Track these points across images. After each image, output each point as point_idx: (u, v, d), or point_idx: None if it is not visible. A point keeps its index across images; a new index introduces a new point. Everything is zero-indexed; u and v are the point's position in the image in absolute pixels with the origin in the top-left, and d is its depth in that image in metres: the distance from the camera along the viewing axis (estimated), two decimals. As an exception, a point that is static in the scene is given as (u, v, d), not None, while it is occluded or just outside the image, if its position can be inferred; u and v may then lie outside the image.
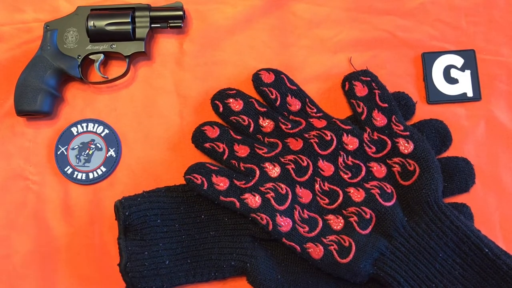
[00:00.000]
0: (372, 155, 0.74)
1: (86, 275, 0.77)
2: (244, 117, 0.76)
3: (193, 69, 0.83)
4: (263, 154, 0.74)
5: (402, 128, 0.74)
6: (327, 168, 0.74)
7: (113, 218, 0.75)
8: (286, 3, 0.84)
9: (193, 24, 0.84)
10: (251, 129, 0.76)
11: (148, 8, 0.81)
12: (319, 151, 0.74)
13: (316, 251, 0.70)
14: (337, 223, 0.72)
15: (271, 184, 0.73)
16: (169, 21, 0.81)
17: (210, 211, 0.75)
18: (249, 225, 0.73)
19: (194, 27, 0.84)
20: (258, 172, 0.73)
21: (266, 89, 0.77)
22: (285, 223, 0.71)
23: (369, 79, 0.77)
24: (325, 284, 0.72)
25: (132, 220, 0.73)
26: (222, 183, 0.72)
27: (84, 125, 0.80)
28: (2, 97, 0.82)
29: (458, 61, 0.81)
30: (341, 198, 0.73)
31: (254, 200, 0.72)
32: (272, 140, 0.76)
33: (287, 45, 0.83)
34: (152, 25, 0.81)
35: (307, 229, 0.71)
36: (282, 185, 0.73)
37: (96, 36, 0.79)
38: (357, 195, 0.72)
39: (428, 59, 0.81)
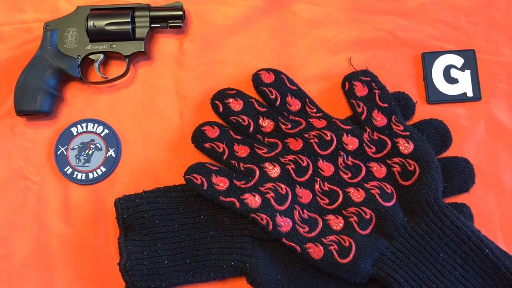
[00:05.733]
0: (372, 155, 0.74)
1: (86, 275, 0.77)
2: (244, 117, 0.76)
3: (193, 69, 0.83)
4: (263, 154, 0.74)
5: (402, 128, 0.74)
6: (327, 168, 0.74)
7: (113, 218, 0.75)
8: (286, 3, 0.84)
9: (193, 24, 0.84)
10: (251, 129, 0.76)
11: (148, 8, 0.81)
12: (319, 151, 0.74)
13: (316, 251, 0.70)
14: (337, 223, 0.72)
15: (271, 184, 0.72)
16: (169, 21, 0.81)
17: (210, 211, 0.75)
18: (248, 225, 0.73)
19: (194, 27, 0.84)
20: (258, 172, 0.73)
21: (266, 89, 0.77)
22: (285, 223, 0.71)
23: (369, 79, 0.77)
24: (325, 284, 0.72)
25: (131, 222, 0.73)
26: (222, 183, 0.72)
27: (84, 125, 0.80)
28: (2, 97, 0.82)
29: (458, 61, 0.81)
30: (341, 198, 0.72)
31: (254, 200, 0.71)
32: (272, 140, 0.76)
33: (287, 45, 0.83)
34: (152, 25, 0.81)
35: (307, 229, 0.71)
36: (282, 185, 0.73)
37: (96, 36, 0.79)
38: (357, 195, 0.72)
39: (428, 59, 0.81)
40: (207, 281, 0.74)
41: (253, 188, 0.72)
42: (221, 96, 0.77)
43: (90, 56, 0.80)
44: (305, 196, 0.73)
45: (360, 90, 0.76)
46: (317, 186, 0.73)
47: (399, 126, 0.74)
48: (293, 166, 0.74)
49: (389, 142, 0.74)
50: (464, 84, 0.80)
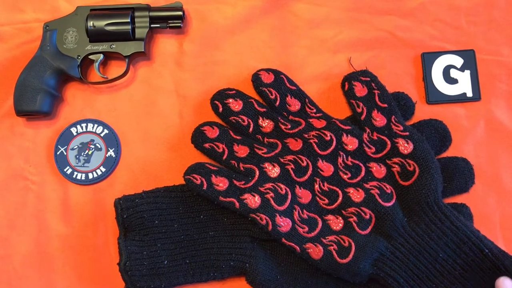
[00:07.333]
0: (371, 155, 0.74)
1: (86, 275, 0.77)
2: (244, 117, 0.76)
3: (193, 69, 0.83)
4: (262, 154, 0.74)
5: (401, 128, 0.74)
6: (326, 168, 0.74)
7: (112, 218, 0.75)
8: (286, 3, 0.84)
9: (193, 24, 0.84)
10: (251, 129, 0.76)
11: (148, 8, 0.81)
12: (319, 151, 0.74)
13: (315, 252, 0.70)
14: (336, 223, 0.72)
15: (270, 184, 0.73)
16: (169, 21, 0.81)
17: (209, 211, 0.75)
18: (248, 225, 0.73)
19: (193, 27, 0.84)
20: (257, 172, 0.73)
21: (266, 89, 0.77)
22: (284, 223, 0.71)
23: (368, 79, 0.77)
24: (325, 284, 0.72)
25: (131, 222, 0.73)
26: (221, 183, 0.72)
27: (84, 125, 0.80)
28: (2, 97, 0.82)
29: (458, 61, 0.81)
30: (340, 198, 0.72)
31: (253, 201, 0.72)
32: (271, 140, 0.76)
33: (287, 45, 0.83)
34: (151, 25, 0.81)
35: (306, 229, 0.71)
36: (282, 186, 0.73)
37: (96, 36, 0.79)
38: (357, 195, 0.72)
39: (428, 59, 0.81)
40: (206, 281, 0.74)
41: (253, 188, 0.72)
42: (220, 96, 0.77)
43: (90, 56, 0.80)
44: (304, 196, 0.73)
45: (360, 90, 0.76)
46: (316, 186, 0.73)
47: (398, 126, 0.74)
48: (292, 166, 0.74)
49: (388, 142, 0.74)
50: (463, 84, 0.80)
